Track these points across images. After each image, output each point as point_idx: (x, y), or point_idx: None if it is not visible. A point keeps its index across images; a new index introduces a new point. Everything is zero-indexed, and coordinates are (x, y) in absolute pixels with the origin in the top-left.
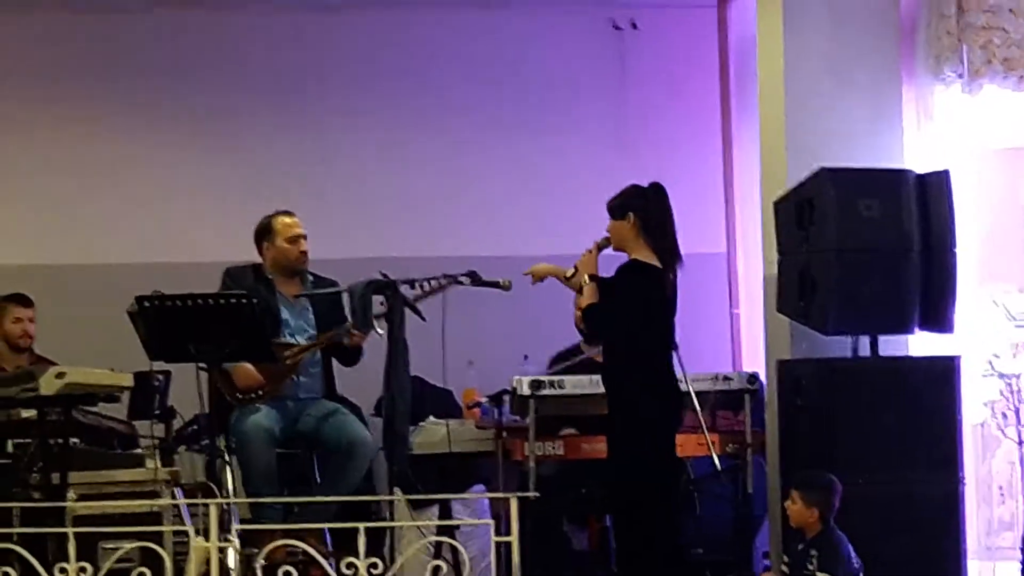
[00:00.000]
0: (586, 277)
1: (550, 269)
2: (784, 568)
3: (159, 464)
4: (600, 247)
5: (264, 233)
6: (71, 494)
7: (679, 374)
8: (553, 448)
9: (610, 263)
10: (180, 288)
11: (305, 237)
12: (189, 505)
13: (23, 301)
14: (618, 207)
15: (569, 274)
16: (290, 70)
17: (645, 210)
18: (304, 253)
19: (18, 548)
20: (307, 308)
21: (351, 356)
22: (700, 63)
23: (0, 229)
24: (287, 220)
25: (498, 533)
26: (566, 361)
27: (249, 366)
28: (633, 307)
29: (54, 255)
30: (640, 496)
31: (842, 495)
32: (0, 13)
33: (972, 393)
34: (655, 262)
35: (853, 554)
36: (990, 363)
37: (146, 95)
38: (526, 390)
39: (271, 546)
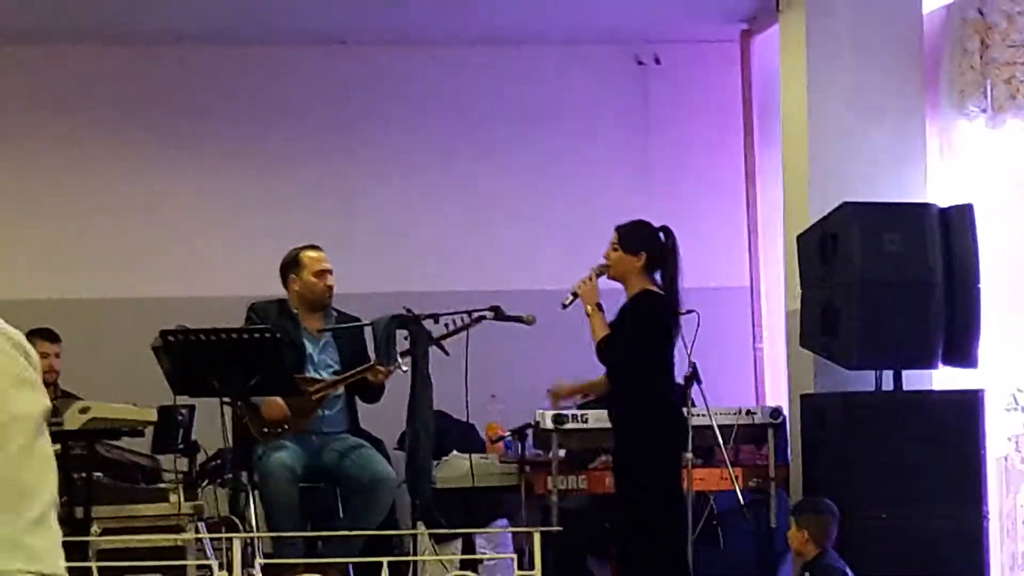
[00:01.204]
0: (591, 307)
1: (573, 387)
2: None
3: (183, 498)
4: (598, 275)
5: (291, 266)
6: (95, 528)
7: (702, 408)
8: (577, 482)
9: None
10: (205, 322)
11: (331, 271)
12: (212, 539)
13: (49, 336)
14: (633, 242)
15: (568, 302)
16: (316, 106)
17: (658, 251)
18: (330, 287)
19: None
20: (331, 344)
21: (374, 394)
22: (723, 98)
23: (25, 263)
24: (314, 254)
25: (521, 567)
26: None
27: (279, 399)
28: (653, 337)
29: (79, 289)
30: (646, 526)
31: (866, 529)
32: (30, 46)
33: (996, 427)
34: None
35: None
36: (1014, 397)
37: (173, 129)
38: (549, 424)
39: None
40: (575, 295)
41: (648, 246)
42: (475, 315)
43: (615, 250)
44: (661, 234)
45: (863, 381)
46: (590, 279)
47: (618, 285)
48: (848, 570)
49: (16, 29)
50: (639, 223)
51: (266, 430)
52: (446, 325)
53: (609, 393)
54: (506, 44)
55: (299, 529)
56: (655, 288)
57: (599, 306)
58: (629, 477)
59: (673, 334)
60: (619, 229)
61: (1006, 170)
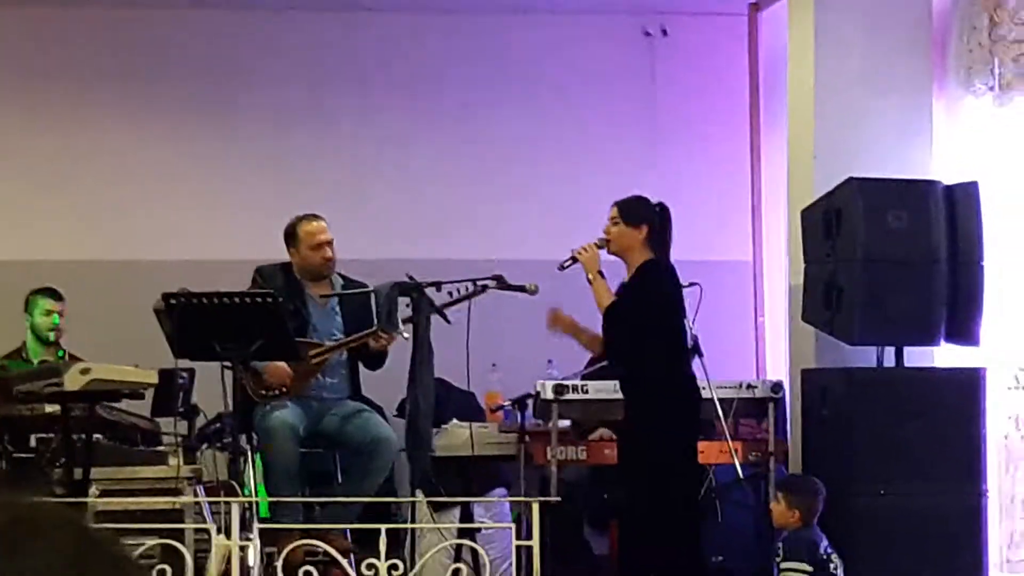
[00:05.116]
0: (592, 275)
1: (571, 325)
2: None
3: (182, 461)
4: (599, 246)
5: (289, 238)
6: (93, 490)
7: (703, 381)
8: (576, 453)
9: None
10: (208, 285)
11: (330, 243)
12: (211, 503)
13: (53, 295)
14: (635, 214)
15: (566, 264)
16: (325, 72)
17: (658, 224)
18: (328, 260)
19: None
20: (335, 310)
21: (376, 360)
22: (730, 71)
23: (29, 225)
24: (310, 227)
25: (519, 537)
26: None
27: (282, 363)
28: (662, 303)
29: (82, 251)
30: (662, 506)
31: (864, 506)
32: (43, 8)
33: (997, 406)
34: None
35: (826, 547)
36: (1016, 376)
37: (179, 92)
38: (549, 394)
39: (291, 546)
40: (574, 259)
41: (649, 219)
42: (479, 284)
43: (615, 224)
44: (661, 210)
45: (864, 357)
46: (592, 247)
47: (619, 261)
48: (824, 542)
49: None
50: (639, 198)
51: (264, 392)
52: (449, 293)
53: (618, 363)
54: (514, 13)
55: (297, 491)
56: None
57: (601, 273)
58: (643, 450)
59: (682, 301)
60: (619, 204)
61: (1012, 148)
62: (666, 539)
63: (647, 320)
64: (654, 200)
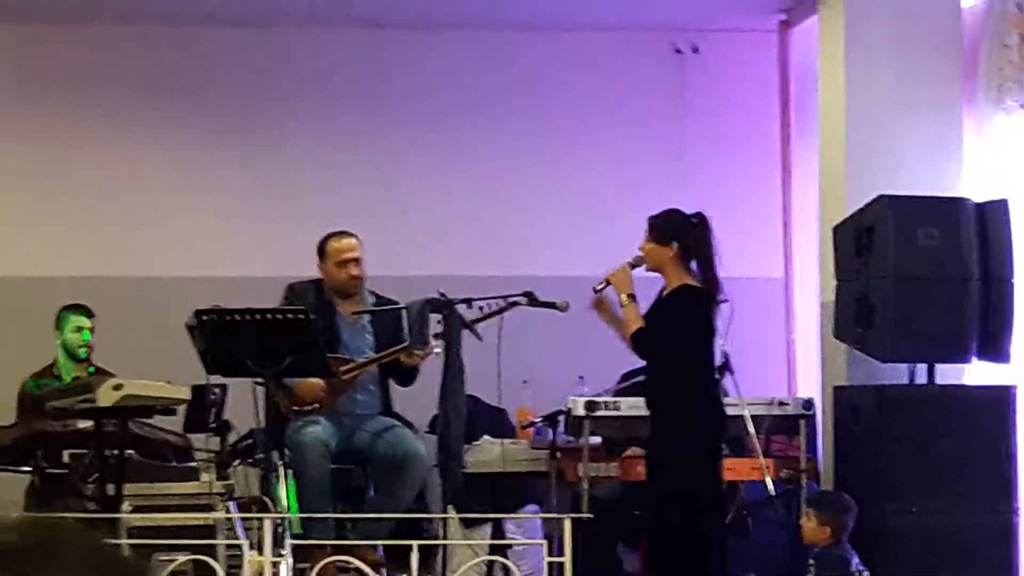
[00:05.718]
0: (624, 297)
1: (611, 313)
2: None
3: (214, 477)
4: (633, 266)
5: (319, 253)
6: (126, 506)
7: (735, 398)
8: (608, 469)
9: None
10: (239, 302)
11: (358, 260)
12: (243, 519)
13: (84, 311)
14: (663, 232)
15: (600, 287)
16: (354, 89)
17: (689, 240)
18: (355, 277)
19: None
20: (366, 327)
21: (408, 376)
22: (760, 88)
23: (61, 241)
24: (339, 244)
25: (550, 553)
26: (636, 377)
27: (314, 380)
28: (690, 333)
29: (114, 267)
30: (686, 524)
31: (895, 523)
32: (60, 25)
33: None
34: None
35: (857, 563)
36: None
37: (209, 110)
38: (581, 411)
39: (323, 562)
40: (607, 282)
41: (679, 235)
42: (509, 300)
43: (648, 242)
44: (694, 220)
45: (896, 374)
46: (626, 268)
47: (655, 275)
48: (855, 559)
49: (31, 7)
50: (670, 212)
51: (296, 408)
52: (480, 308)
53: (646, 383)
54: (545, 30)
55: (329, 507)
56: (692, 281)
57: (632, 296)
58: (666, 469)
59: (714, 325)
60: (651, 220)
61: None
62: (692, 556)
63: (673, 348)
64: (691, 211)
